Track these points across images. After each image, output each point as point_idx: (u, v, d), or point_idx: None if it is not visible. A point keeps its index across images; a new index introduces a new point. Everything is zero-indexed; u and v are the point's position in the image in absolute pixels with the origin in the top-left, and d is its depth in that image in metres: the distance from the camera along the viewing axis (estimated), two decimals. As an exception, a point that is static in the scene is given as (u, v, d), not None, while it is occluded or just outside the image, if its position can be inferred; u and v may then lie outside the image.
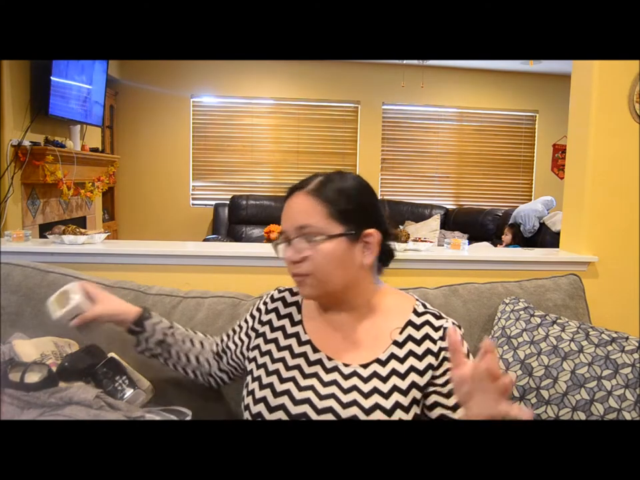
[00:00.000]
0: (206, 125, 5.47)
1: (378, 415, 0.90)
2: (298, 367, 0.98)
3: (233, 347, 1.12)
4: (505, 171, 5.97)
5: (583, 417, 1.25)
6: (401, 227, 5.11)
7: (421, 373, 0.94)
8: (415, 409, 0.93)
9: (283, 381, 0.97)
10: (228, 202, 5.27)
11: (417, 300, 1.03)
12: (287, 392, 0.95)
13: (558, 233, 2.47)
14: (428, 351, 0.95)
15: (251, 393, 0.99)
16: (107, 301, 1.13)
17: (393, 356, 0.96)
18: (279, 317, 1.07)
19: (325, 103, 5.62)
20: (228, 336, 1.16)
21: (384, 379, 0.94)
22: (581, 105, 1.93)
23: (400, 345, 0.97)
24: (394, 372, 0.94)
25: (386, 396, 0.92)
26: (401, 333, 0.98)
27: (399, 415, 0.91)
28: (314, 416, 0.92)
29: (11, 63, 2.89)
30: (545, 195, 4.86)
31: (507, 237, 4.55)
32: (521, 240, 4.48)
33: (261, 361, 1.03)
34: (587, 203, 1.89)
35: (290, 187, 0.99)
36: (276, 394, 0.96)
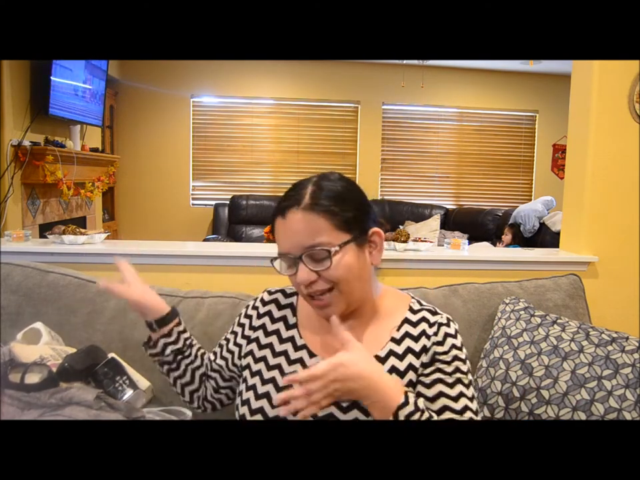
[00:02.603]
0: (206, 125, 5.47)
1: None
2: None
3: (223, 363, 1.07)
4: (505, 170, 5.97)
5: (583, 416, 1.25)
6: (401, 227, 5.11)
7: (416, 370, 0.93)
8: None
9: (280, 389, 0.93)
10: (228, 202, 5.27)
11: (413, 298, 1.02)
12: (286, 402, 0.92)
13: (558, 233, 2.46)
14: (424, 349, 0.94)
15: (246, 402, 0.95)
16: (135, 289, 1.04)
17: (391, 352, 0.94)
18: (273, 320, 1.03)
19: (324, 102, 5.61)
20: (215, 354, 1.10)
21: None
22: (581, 105, 1.93)
23: (398, 341, 0.95)
24: (393, 369, 0.93)
25: None
26: (398, 330, 0.96)
27: None
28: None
29: (11, 63, 2.89)
30: (545, 195, 4.86)
31: (507, 237, 4.55)
32: (521, 240, 4.48)
33: (255, 367, 0.99)
34: (586, 202, 1.89)
35: (279, 204, 0.91)
36: (273, 405, 0.92)
